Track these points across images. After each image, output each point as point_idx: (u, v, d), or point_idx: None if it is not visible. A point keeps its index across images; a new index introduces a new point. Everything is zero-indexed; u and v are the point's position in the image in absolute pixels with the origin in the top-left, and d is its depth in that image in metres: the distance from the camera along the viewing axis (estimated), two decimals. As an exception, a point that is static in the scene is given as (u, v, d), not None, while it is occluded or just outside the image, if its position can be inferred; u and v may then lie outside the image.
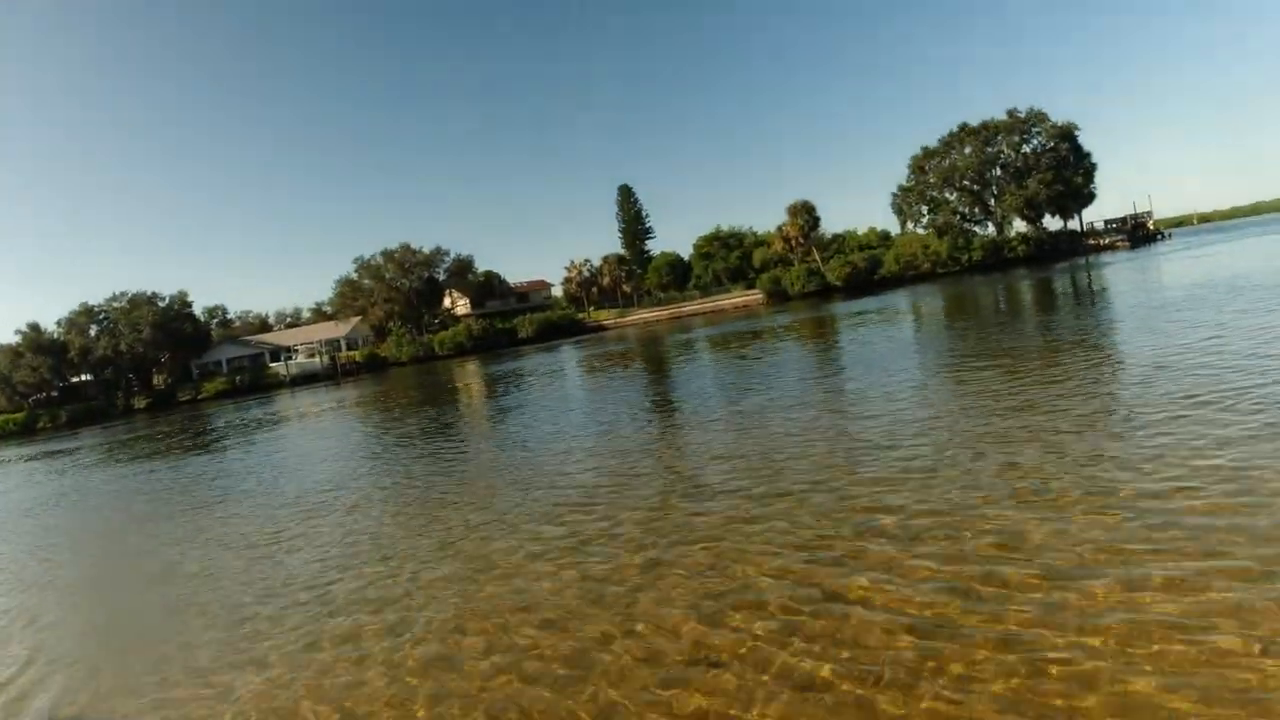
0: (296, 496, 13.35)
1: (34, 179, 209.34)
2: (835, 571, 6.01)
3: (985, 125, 77.46)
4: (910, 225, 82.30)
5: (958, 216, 78.85)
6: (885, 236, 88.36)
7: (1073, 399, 10.30)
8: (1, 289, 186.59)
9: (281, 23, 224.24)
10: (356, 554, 8.89)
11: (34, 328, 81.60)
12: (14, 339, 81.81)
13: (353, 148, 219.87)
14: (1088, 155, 75.57)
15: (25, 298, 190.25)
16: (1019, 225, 77.80)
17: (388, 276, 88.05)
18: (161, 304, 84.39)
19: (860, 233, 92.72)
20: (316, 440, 23.11)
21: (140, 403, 77.97)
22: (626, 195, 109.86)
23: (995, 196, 77.70)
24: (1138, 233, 76.32)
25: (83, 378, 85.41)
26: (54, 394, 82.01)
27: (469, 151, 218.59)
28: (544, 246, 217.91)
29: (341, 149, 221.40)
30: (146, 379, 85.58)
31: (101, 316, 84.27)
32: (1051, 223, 77.82)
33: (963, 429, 9.53)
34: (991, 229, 79.26)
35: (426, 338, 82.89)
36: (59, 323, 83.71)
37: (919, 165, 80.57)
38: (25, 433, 69.83)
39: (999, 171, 77.78)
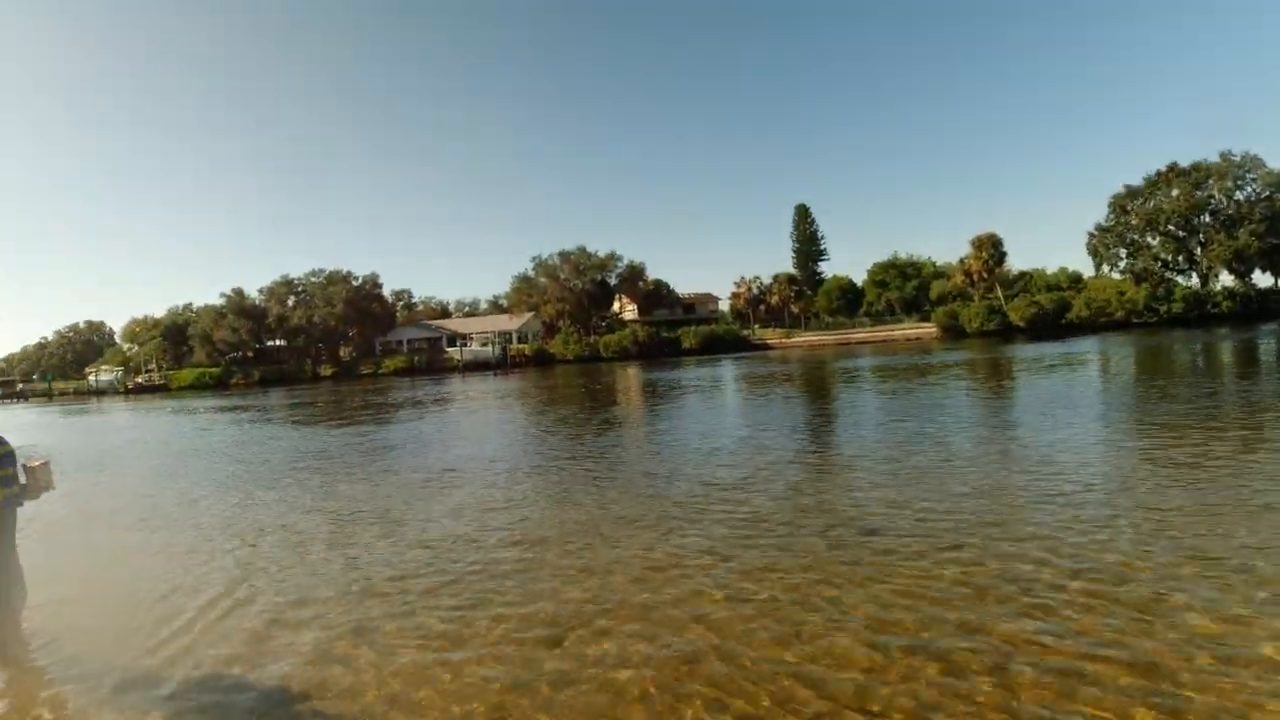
0: (449, 466, 14.69)
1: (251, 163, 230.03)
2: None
3: (1196, 167, 72.89)
4: (1106, 268, 78.49)
5: (1158, 263, 74.52)
6: (1076, 279, 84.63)
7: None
8: (211, 256, 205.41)
9: (483, 26, 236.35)
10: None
11: (238, 292, 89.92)
12: (219, 301, 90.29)
13: (540, 151, 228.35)
14: (1307, 210, 70.10)
15: (232, 265, 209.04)
16: (1225, 279, 73.05)
17: (562, 277, 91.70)
18: (355, 283, 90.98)
19: (1049, 272, 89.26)
20: (489, 419, 24.82)
21: (326, 371, 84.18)
22: (803, 215, 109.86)
23: (1201, 245, 73.07)
24: (1358, 300, 69.92)
25: (276, 343, 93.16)
26: (249, 355, 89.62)
27: (649, 158, 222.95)
28: (713, 260, 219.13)
29: (530, 153, 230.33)
30: (334, 350, 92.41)
31: (299, 289, 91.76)
32: (1261, 279, 72.82)
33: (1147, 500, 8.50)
34: (1195, 280, 74.65)
35: (593, 339, 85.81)
36: (260, 290, 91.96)
37: (1120, 205, 76.59)
38: (220, 387, 76.21)
39: (1207, 218, 73.03)
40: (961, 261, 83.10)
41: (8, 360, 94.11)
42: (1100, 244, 77.77)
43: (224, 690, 5.32)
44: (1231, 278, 72.45)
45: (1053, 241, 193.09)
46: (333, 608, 6.78)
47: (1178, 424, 13.25)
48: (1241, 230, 69.65)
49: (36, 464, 5.92)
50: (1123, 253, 76.85)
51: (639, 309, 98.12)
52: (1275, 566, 6.24)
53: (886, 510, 8.85)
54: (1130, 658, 4.87)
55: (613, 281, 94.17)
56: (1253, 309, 67.57)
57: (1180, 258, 74.19)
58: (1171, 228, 73.71)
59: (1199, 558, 6.46)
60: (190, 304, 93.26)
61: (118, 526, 10.86)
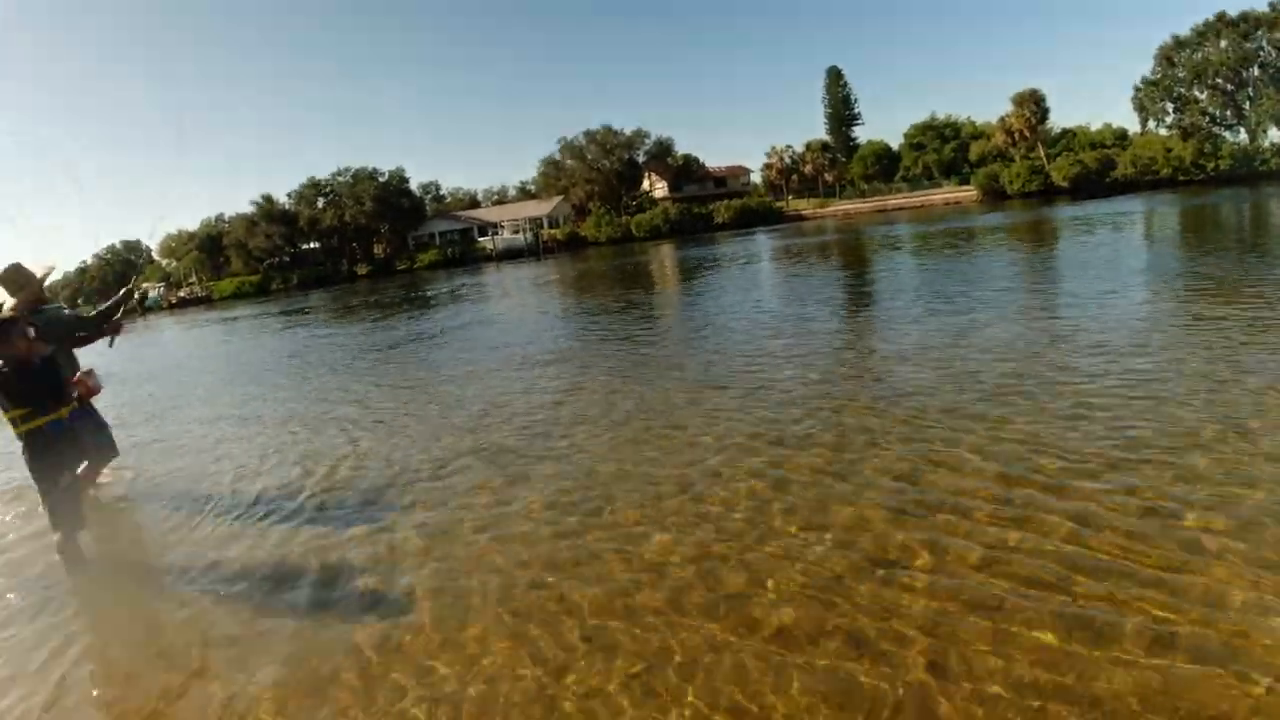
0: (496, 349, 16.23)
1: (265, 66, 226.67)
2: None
3: (1245, 17, 70.31)
4: (1152, 124, 77.29)
5: (1206, 118, 73.07)
6: (1121, 136, 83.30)
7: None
8: (240, 165, 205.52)
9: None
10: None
11: (267, 199, 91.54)
12: (249, 209, 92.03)
13: (559, 27, 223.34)
14: (1360, 64, 68.13)
15: (260, 172, 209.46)
16: (1273, 135, 71.41)
17: (589, 157, 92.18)
18: (381, 179, 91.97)
19: (1093, 129, 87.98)
20: (528, 310, 26.41)
21: (362, 270, 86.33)
22: (835, 78, 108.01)
23: (1250, 99, 71.45)
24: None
25: (310, 245, 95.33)
26: (285, 260, 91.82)
27: (673, 30, 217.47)
28: (745, 132, 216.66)
29: (549, 26, 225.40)
30: (368, 248, 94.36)
31: (327, 189, 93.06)
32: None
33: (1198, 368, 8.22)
34: (1243, 136, 73.02)
35: (624, 219, 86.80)
36: (289, 195, 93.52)
37: (1167, 56, 74.58)
38: (260, 294, 78.09)
39: (1257, 71, 71.01)
40: (1002, 120, 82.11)
41: (50, 289, 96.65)
42: (1146, 98, 76.28)
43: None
44: (1281, 133, 71.42)
45: (1097, 98, 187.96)
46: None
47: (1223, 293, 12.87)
48: (1292, 84, 68.03)
49: (79, 374, 6.98)
50: (1169, 107, 75.28)
51: (669, 186, 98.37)
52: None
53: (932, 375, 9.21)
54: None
55: (641, 159, 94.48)
56: (1303, 165, 66.74)
57: (1228, 112, 72.80)
58: (1220, 80, 71.95)
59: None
60: (222, 215, 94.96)
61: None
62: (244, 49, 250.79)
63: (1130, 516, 4.87)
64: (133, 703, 4.20)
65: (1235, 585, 3.97)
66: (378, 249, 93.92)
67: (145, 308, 70.23)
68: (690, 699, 3.62)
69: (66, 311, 8.42)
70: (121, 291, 8.65)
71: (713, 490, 6.26)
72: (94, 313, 8.42)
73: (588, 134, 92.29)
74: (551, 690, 3.83)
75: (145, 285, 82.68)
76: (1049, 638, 3.74)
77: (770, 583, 4.63)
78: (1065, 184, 72.70)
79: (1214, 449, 5.85)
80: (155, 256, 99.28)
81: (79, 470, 6.55)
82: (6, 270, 7.73)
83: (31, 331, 6.32)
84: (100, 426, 7.75)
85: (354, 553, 5.87)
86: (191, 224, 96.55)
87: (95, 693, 4.39)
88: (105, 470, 8.21)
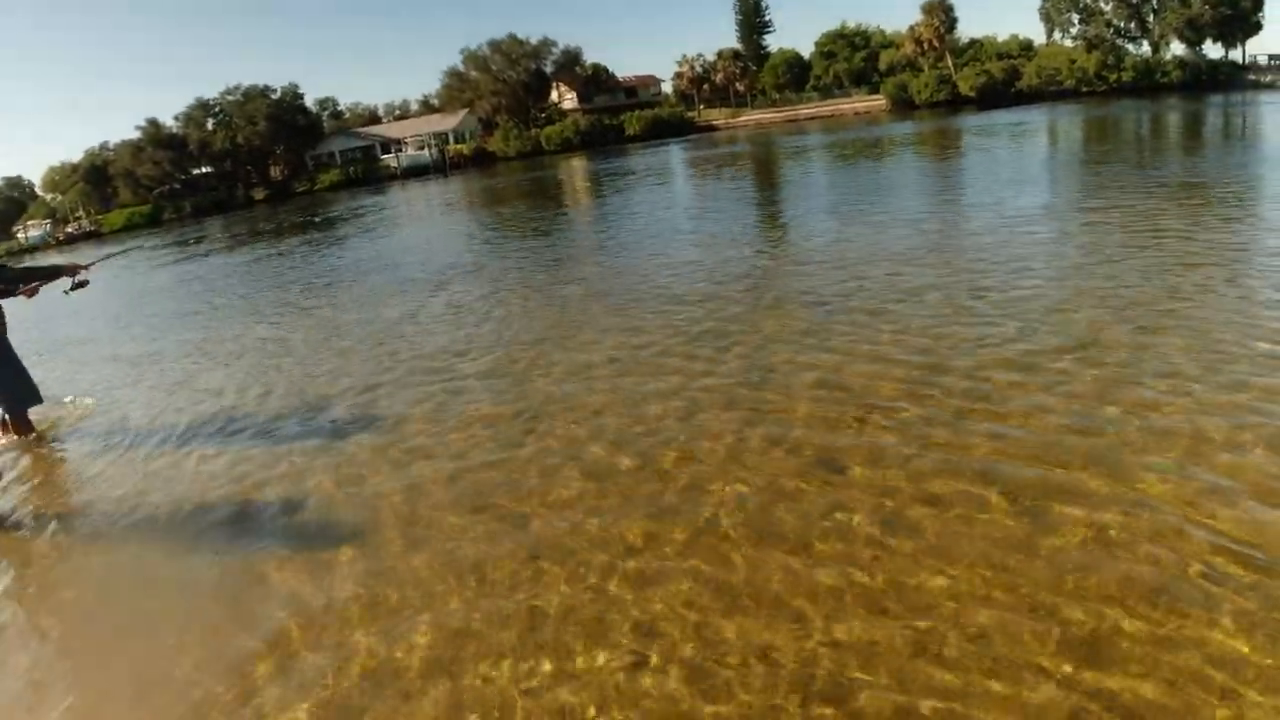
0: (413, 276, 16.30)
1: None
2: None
3: None
4: (1058, 35, 78.10)
5: (1110, 30, 74.03)
6: (1027, 46, 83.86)
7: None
8: (116, 85, 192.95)
9: None
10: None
11: (153, 123, 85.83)
12: (134, 135, 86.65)
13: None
14: (1260, -22, 69.52)
15: (141, 93, 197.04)
16: (1175, 48, 73.14)
17: (494, 68, 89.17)
18: (274, 96, 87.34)
19: (1000, 40, 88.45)
20: (433, 227, 26.51)
21: (259, 194, 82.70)
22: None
23: (1155, 11, 72.39)
24: (1302, 73, 70.64)
25: (203, 170, 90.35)
26: (176, 187, 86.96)
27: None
28: (656, 40, 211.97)
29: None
30: (264, 171, 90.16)
31: (217, 110, 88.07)
32: (1211, 50, 73.04)
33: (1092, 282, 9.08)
34: (1146, 48, 74.43)
35: (534, 132, 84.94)
36: (176, 117, 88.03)
37: (1074, -33, 75.46)
38: (152, 224, 74.24)
39: (1163, -16, 72.16)
40: (911, 29, 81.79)
41: None
42: (1053, 9, 76.75)
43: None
44: (1183, 47, 72.82)
45: (1005, 7, 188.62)
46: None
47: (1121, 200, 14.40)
48: (1195, -3, 69.14)
49: None
50: (1075, 18, 76.02)
51: (579, 97, 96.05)
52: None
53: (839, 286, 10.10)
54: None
55: (548, 70, 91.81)
56: (1202, 79, 68.47)
57: (1133, 24, 73.87)
58: (1126, -8, 73.06)
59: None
60: (106, 143, 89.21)
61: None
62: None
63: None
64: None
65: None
66: (275, 171, 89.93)
67: (31, 247, 66.74)
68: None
69: None
70: (58, 271, 8.48)
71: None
72: (18, 268, 8.45)
73: (492, 44, 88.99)
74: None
75: (31, 225, 78.25)
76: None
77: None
78: (972, 94, 73.45)
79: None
80: (38, 191, 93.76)
81: None
82: None
83: None
84: (10, 364, 7.92)
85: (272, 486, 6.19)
86: (74, 154, 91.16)
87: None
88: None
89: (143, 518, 5.92)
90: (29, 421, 8.25)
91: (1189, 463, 4.56)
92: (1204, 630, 3.22)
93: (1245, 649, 3.10)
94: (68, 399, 9.84)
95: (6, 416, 8.09)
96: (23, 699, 3.89)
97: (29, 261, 39.09)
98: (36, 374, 8.50)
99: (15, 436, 8.10)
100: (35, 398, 8.20)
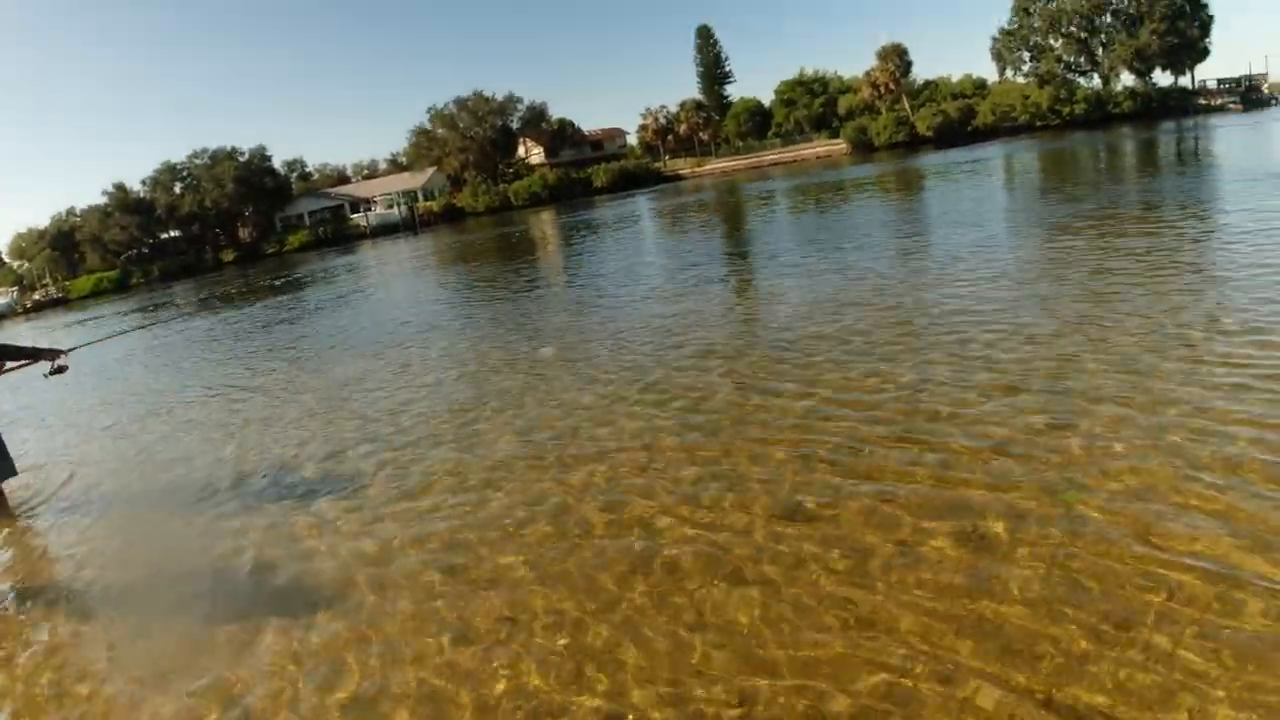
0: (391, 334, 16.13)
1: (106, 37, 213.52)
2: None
3: None
4: (1010, 73, 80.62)
5: (1061, 65, 76.81)
6: (980, 85, 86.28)
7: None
8: (83, 148, 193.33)
9: None
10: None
11: (120, 187, 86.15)
12: (101, 200, 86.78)
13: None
14: (1205, 6, 73.03)
15: (108, 157, 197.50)
16: (1126, 79, 75.96)
17: (461, 125, 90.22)
18: (242, 158, 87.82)
19: (954, 80, 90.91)
20: (408, 286, 26.54)
21: (228, 256, 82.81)
22: (705, 37, 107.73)
23: (1103, 45, 75.36)
24: (1251, 95, 73.35)
25: (171, 234, 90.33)
26: (144, 251, 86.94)
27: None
28: (619, 95, 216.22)
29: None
30: (233, 233, 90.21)
31: (184, 173, 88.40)
32: (1161, 79, 75.99)
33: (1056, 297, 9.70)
34: (1096, 81, 77.34)
35: (502, 187, 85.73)
36: (144, 181, 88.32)
37: (1023, 7, 77.98)
38: (120, 289, 73.94)
39: (1109, 18, 75.00)
40: (868, 74, 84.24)
41: None
42: (1004, 47, 79.58)
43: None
44: (1132, 77, 75.36)
45: (957, 49, 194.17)
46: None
47: (1076, 225, 15.19)
48: (1142, 29, 71.84)
49: None
50: (1026, 56, 78.75)
51: (545, 151, 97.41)
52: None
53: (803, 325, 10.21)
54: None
55: (515, 126, 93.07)
56: (1153, 107, 70.76)
57: (1082, 59, 76.48)
58: (1074, 29, 75.64)
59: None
60: (73, 208, 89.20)
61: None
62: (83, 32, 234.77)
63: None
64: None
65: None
66: (243, 233, 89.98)
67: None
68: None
69: None
70: (38, 354, 8.26)
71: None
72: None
73: (458, 101, 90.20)
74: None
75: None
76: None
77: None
78: (929, 134, 75.44)
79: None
80: (4, 258, 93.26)
81: None
82: None
83: None
84: None
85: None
86: (41, 220, 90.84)
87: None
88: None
89: (116, 587, 5.95)
90: (3, 495, 8.17)
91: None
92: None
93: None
94: (41, 465, 9.86)
95: None
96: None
97: (2, 337, 38.83)
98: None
99: None
100: (10, 470, 8.12)
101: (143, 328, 28.41)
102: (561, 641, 4.05)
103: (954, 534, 4.42)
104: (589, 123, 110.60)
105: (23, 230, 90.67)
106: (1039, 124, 70.98)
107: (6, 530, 7.75)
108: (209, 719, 3.97)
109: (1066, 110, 70.90)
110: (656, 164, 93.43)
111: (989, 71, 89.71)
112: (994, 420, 5.96)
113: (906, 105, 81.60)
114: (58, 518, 7.84)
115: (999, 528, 4.42)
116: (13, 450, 8.52)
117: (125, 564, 6.38)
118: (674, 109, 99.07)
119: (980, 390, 6.67)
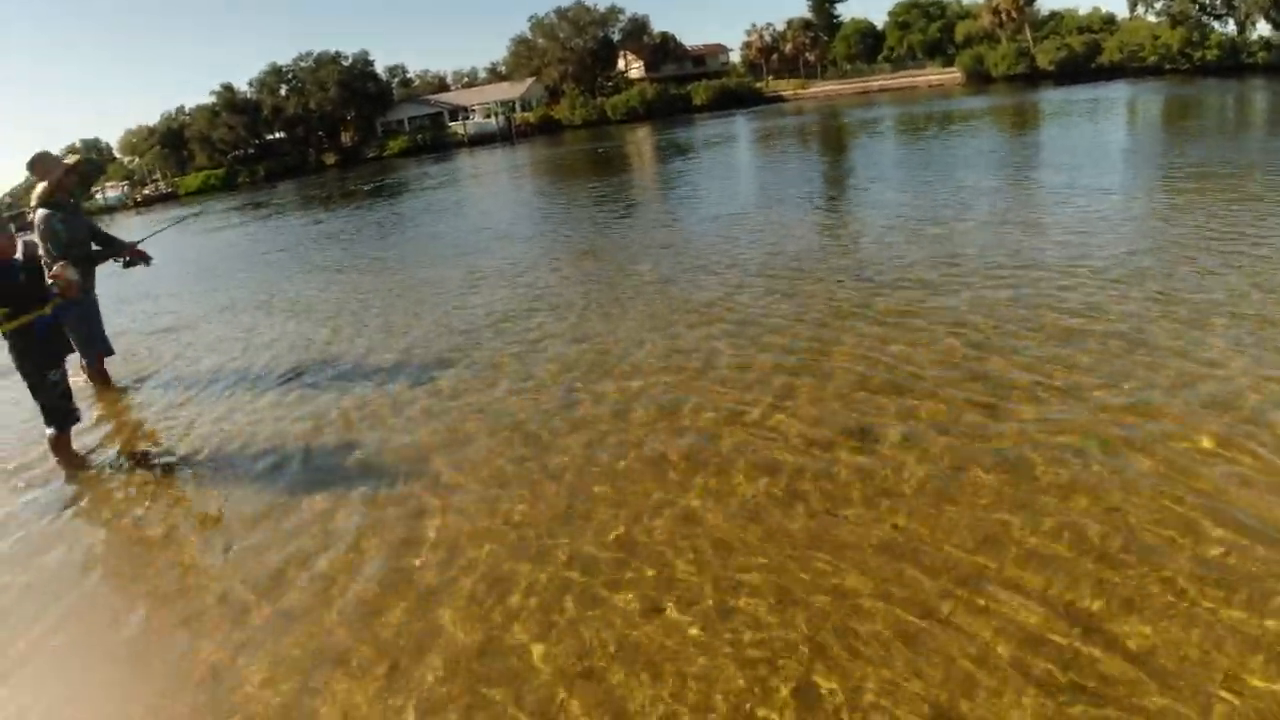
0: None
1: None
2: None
3: None
4: (1141, 10, 75.56)
5: (1196, 6, 71.25)
6: (1109, 21, 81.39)
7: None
8: (193, 49, 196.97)
9: None
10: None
11: (227, 88, 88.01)
12: (210, 100, 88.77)
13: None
14: (1352, -40, 66.36)
15: (217, 58, 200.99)
16: (1262, 28, 70.14)
17: (562, 36, 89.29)
18: (345, 63, 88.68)
19: (1081, 13, 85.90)
20: (509, 196, 27.15)
21: (330, 159, 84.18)
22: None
23: (1242, -11, 69.72)
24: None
25: (276, 135, 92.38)
26: (250, 151, 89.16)
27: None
28: (725, 10, 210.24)
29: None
30: (335, 136, 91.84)
31: (290, 76, 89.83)
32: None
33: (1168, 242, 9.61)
34: (1231, 27, 71.26)
35: (600, 101, 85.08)
36: (250, 83, 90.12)
37: (1160, -62, 72.83)
38: (227, 188, 75.84)
39: (1250, -39, 69.11)
40: (989, 0, 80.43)
41: (12, 193, 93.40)
42: (1138, -18, 74.75)
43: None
44: (1269, 27, 70.15)
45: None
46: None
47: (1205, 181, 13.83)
48: (1285, -24, 66.17)
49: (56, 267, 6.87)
50: (1161, -7, 73.86)
51: (645, 66, 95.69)
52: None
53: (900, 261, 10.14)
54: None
55: (616, 38, 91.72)
56: (1289, 61, 65.79)
57: (1219, 1, 71.32)
58: (1212, -33, 70.42)
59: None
60: (183, 107, 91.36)
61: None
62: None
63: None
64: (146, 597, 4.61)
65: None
66: (345, 137, 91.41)
67: (109, 208, 68.80)
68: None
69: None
70: (131, 247, 8.52)
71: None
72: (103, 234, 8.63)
73: (559, 11, 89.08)
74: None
75: (110, 186, 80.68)
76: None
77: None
78: (1050, 68, 71.39)
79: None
80: (116, 154, 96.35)
81: (67, 365, 6.57)
82: (35, 157, 7.89)
83: (12, 228, 6.22)
84: (89, 320, 8.18)
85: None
86: (151, 118, 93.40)
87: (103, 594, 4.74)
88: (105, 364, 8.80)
89: (216, 458, 6.36)
90: (105, 370, 8.77)
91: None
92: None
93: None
94: (143, 348, 10.61)
95: (85, 364, 8.59)
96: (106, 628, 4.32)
97: (114, 230, 40.16)
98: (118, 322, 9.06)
99: (93, 384, 8.70)
100: (108, 349, 8.63)
101: (243, 224, 29.75)
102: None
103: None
104: (692, 38, 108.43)
105: (133, 128, 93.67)
106: (1168, 66, 66.73)
107: (113, 400, 8.44)
108: (290, 574, 4.50)
109: (1198, 55, 66.02)
110: (759, 84, 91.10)
111: (1119, 6, 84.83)
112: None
113: (1029, 36, 77.53)
114: (163, 391, 8.52)
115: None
116: (125, 326, 9.70)
117: (225, 435, 6.86)
118: (781, 27, 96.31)
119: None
